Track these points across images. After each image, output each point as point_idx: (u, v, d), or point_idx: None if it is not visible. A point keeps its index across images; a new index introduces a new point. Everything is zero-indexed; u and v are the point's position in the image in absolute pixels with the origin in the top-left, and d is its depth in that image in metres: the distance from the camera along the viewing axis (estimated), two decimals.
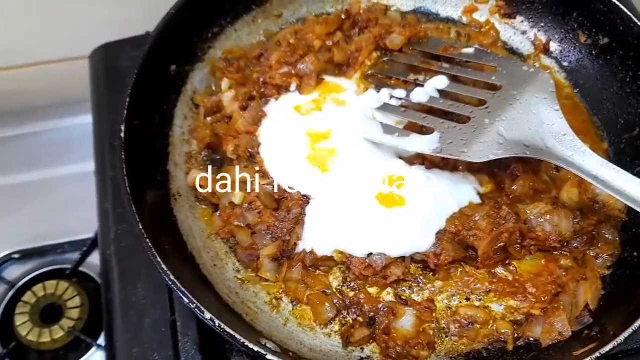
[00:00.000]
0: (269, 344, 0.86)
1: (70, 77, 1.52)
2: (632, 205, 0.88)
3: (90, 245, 1.44)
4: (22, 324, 1.34)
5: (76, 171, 1.54)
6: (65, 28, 1.53)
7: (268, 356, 0.80)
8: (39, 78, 1.61)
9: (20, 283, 1.43)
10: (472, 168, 1.06)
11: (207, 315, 0.83)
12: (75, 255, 1.44)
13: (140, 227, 0.89)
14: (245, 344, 0.81)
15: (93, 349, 1.34)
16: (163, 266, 0.86)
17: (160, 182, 1.06)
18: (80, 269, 1.44)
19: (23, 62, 1.58)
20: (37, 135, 1.63)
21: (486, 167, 1.05)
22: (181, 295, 0.84)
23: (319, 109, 1.11)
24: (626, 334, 0.82)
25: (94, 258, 1.44)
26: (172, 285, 0.85)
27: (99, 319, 1.32)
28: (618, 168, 0.91)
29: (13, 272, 1.44)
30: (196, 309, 0.83)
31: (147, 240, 0.89)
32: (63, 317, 1.36)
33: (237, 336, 0.81)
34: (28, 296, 1.38)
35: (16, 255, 1.46)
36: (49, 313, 1.37)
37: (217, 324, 0.82)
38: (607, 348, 0.81)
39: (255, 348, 0.80)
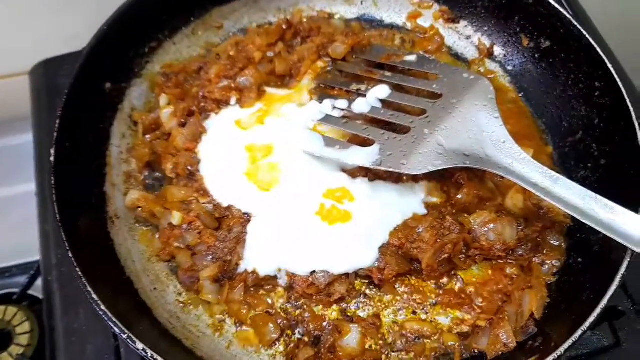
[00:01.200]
0: None
1: (12, 94, 1.48)
2: (571, 213, 0.87)
3: (39, 268, 1.40)
4: None
5: (23, 191, 1.49)
6: (6, 44, 1.49)
7: None
8: None
9: None
10: (418, 178, 1.05)
11: (140, 345, 0.80)
12: (24, 279, 1.40)
13: (70, 255, 0.86)
14: None
15: None
16: (94, 296, 0.83)
17: (96, 205, 1.02)
18: (30, 292, 1.40)
19: None
20: None
21: (433, 176, 1.04)
22: (112, 325, 0.81)
23: (260, 122, 1.09)
24: (566, 345, 0.81)
25: None
26: (103, 316, 0.82)
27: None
28: (558, 175, 0.90)
29: None
30: (128, 340, 0.80)
31: (77, 269, 0.85)
32: (12, 343, 1.32)
33: None
34: None
35: None
36: None
37: (149, 355, 0.79)
38: (550, 358, 0.80)
39: None
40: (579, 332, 0.81)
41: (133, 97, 1.14)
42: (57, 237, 1.13)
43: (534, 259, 1.00)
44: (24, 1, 1.43)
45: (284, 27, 1.21)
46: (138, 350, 0.80)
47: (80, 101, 1.01)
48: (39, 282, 1.40)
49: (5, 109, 1.56)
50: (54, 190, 0.92)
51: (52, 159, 0.94)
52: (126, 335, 0.81)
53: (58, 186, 0.92)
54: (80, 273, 0.85)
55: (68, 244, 0.88)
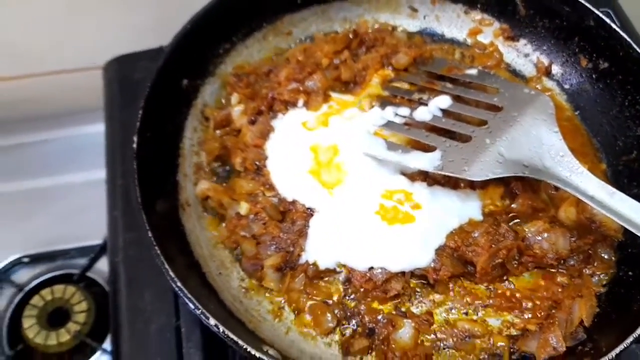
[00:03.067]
0: (271, 351, 0.88)
1: (83, 87, 1.57)
2: (626, 226, 0.91)
3: (99, 252, 1.47)
4: (30, 327, 1.37)
5: (87, 179, 1.58)
6: (81, 39, 1.58)
7: None
8: (54, 86, 1.66)
9: (29, 287, 1.46)
10: (476, 185, 1.09)
11: (212, 321, 0.85)
12: (84, 261, 1.47)
13: (150, 235, 0.92)
14: (248, 350, 0.83)
15: (98, 353, 1.36)
16: (171, 273, 0.89)
17: (170, 192, 1.09)
18: (88, 274, 1.47)
19: (39, 71, 1.63)
20: (50, 143, 1.67)
21: (490, 185, 1.08)
22: (187, 301, 0.87)
23: (325, 124, 1.14)
24: (617, 350, 0.84)
25: (102, 264, 1.47)
26: (179, 292, 0.88)
27: (104, 323, 1.35)
28: (614, 189, 0.94)
29: (22, 275, 1.47)
30: (202, 315, 0.86)
31: (157, 247, 0.92)
32: (70, 321, 1.39)
33: (241, 342, 0.84)
34: (36, 300, 1.41)
35: (26, 260, 1.49)
36: (56, 317, 1.40)
37: (221, 330, 0.85)
38: None
39: (258, 354, 0.83)
40: (630, 339, 0.85)
41: (206, 94, 1.21)
42: (125, 221, 1.21)
43: (584, 270, 1.03)
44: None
45: (350, 36, 1.28)
46: (210, 325, 0.85)
47: (160, 94, 1.08)
48: (97, 265, 1.47)
49: (75, 100, 1.65)
50: (137, 174, 0.98)
51: (134, 145, 1.00)
52: (200, 311, 0.86)
53: (140, 171, 0.99)
54: (159, 251, 0.91)
55: (148, 224, 0.94)
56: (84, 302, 1.42)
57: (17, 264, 1.49)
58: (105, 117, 1.37)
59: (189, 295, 0.87)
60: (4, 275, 1.45)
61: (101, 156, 1.37)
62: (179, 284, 0.88)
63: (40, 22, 1.53)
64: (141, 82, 1.12)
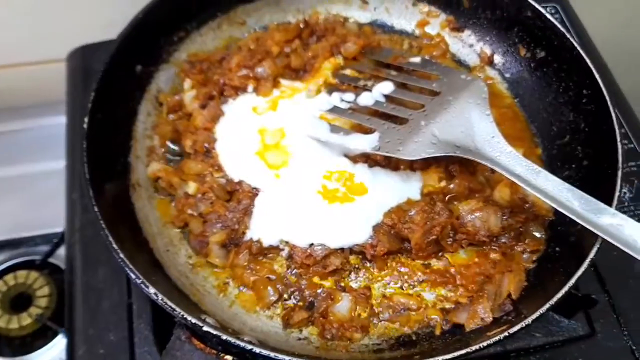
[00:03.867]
0: (209, 319, 0.92)
1: (48, 79, 1.60)
2: (549, 203, 0.95)
3: (61, 239, 1.51)
4: None
5: (50, 168, 1.61)
6: (46, 31, 1.61)
7: (205, 328, 0.86)
8: (19, 79, 1.69)
9: None
10: (415, 167, 1.14)
11: (152, 290, 0.89)
12: (46, 248, 1.51)
13: (96, 209, 0.96)
14: (184, 316, 0.87)
15: (59, 336, 1.40)
16: (114, 245, 0.93)
17: (121, 172, 1.13)
18: (50, 260, 1.51)
19: (3, 63, 1.66)
20: (15, 134, 1.71)
21: (428, 166, 1.13)
22: (129, 271, 0.91)
23: (273, 109, 1.19)
24: (534, 316, 0.89)
25: (63, 251, 1.50)
26: (122, 263, 0.92)
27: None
28: (540, 169, 0.99)
29: None
30: (142, 284, 0.90)
31: (102, 222, 0.96)
32: (32, 305, 1.43)
33: (178, 310, 0.88)
34: None
35: None
36: (19, 301, 1.44)
37: (159, 298, 0.89)
38: (515, 328, 0.88)
39: (193, 320, 0.87)
40: (546, 305, 0.90)
41: (160, 80, 1.25)
42: (82, 204, 1.25)
43: (515, 247, 1.08)
44: None
45: (302, 26, 1.33)
46: (150, 294, 0.90)
47: (113, 79, 1.12)
48: (59, 251, 1.51)
49: (39, 93, 1.69)
50: (86, 153, 1.02)
51: (85, 126, 1.05)
52: (140, 280, 0.90)
53: (89, 151, 1.03)
54: (104, 226, 0.95)
55: (95, 202, 0.98)
56: (46, 287, 1.46)
57: None
58: (66, 104, 1.40)
59: (131, 267, 0.91)
60: None
61: (63, 147, 1.41)
62: (121, 255, 0.92)
63: (6, 15, 1.57)
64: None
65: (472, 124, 1.07)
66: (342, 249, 1.07)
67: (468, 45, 1.35)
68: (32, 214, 1.56)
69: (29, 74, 1.68)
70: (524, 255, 1.08)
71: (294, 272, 1.08)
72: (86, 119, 1.06)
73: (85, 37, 1.49)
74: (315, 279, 1.07)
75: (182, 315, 0.88)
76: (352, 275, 1.08)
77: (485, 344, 0.88)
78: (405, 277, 1.08)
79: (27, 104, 1.70)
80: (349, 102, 1.19)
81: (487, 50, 1.33)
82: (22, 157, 1.65)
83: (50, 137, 1.65)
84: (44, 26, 1.62)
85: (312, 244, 1.06)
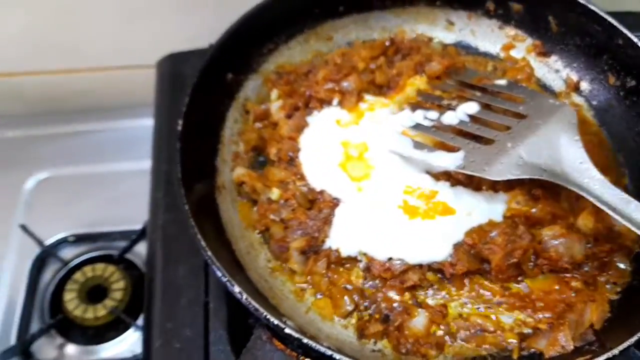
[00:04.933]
0: (289, 323, 0.94)
1: (137, 83, 1.68)
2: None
3: (138, 236, 1.56)
4: (70, 300, 1.46)
5: (133, 168, 1.67)
6: (137, 38, 1.69)
7: (286, 330, 0.88)
8: (110, 81, 1.78)
9: (73, 263, 1.56)
10: (497, 188, 1.13)
11: (237, 289, 0.92)
12: (124, 244, 1.56)
13: (187, 207, 1.00)
14: (268, 317, 0.89)
15: (132, 329, 1.44)
16: (203, 243, 0.97)
17: (208, 174, 1.17)
18: (127, 256, 1.56)
19: (96, 66, 1.74)
20: (102, 133, 1.79)
21: (511, 188, 1.12)
22: (216, 269, 0.94)
23: (357, 123, 1.21)
24: (621, 347, 0.87)
25: (140, 248, 1.56)
26: (209, 260, 0.95)
27: (139, 302, 1.43)
28: (630, 198, 0.97)
29: (68, 252, 1.57)
30: (227, 282, 0.93)
31: (192, 220, 0.99)
32: (107, 297, 1.48)
33: (261, 310, 0.90)
34: (78, 275, 1.50)
35: (72, 238, 1.59)
36: (95, 293, 1.49)
37: (244, 298, 0.91)
38: (602, 358, 0.86)
39: (276, 322, 0.89)
40: (634, 338, 0.87)
41: (248, 89, 1.30)
42: (165, 202, 1.30)
43: (598, 277, 1.06)
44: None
45: (387, 44, 1.35)
46: (235, 292, 0.92)
47: (206, 85, 1.17)
48: (136, 248, 1.56)
49: (126, 96, 1.77)
50: (179, 153, 1.07)
51: (179, 127, 1.09)
52: (226, 278, 0.93)
53: (182, 152, 1.07)
54: (193, 223, 0.99)
55: (185, 200, 1.02)
56: (122, 281, 1.50)
57: (63, 241, 1.59)
58: (155, 107, 1.46)
59: (217, 264, 0.94)
60: (51, 251, 1.55)
61: (148, 148, 1.47)
62: (209, 253, 0.96)
63: (102, 22, 1.65)
64: (190, 78, 1.21)
65: (559, 148, 1.06)
66: (420, 265, 1.07)
67: (554, 71, 1.34)
68: (113, 210, 1.62)
69: (118, 78, 1.76)
70: (607, 286, 1.06)
71: (370, 284, 1.09)
72: (180, 121, 1.10)
73: (171, 46, 1.56)
74: (392, 293, 1.07)
75: (265, 316, 0.90)
76: (429, 292, 1.08)
77: None
78: (483, 298, 1.07)
79: (114, 105, 1.78)
80: (432, 120, 1.20)
81: (574, 77, 1.31)
82: (106, 156, 1.72)
83: (134, 138, 1.72)
84: (134, 33, 1.70)
85: (390, 258, 1.07)
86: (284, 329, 0.88)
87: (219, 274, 0.94)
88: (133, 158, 1.69)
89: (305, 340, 0.88)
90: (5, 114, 1.81)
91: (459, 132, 1.16)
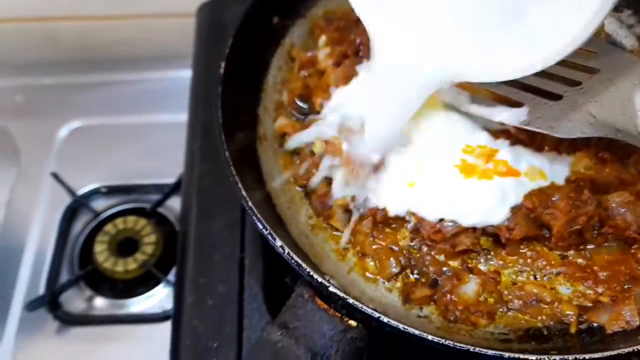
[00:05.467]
0: (332, 281, 0.88)
1: (175, 33, 1.62)
2: None
3: (172, 190, 1.52)
4: (101, 251, 1.44)
5: (169, 121, 1.64)
6: None
7: (331, 288, 0.82)
8: (147, 30, 1.72)
9: (105, 215, 1.53)
10: (561, 149, 1.04)
11: (279, 242, 0.86)
12: (157, 197, 1.53)
13: (227, 155, 0.94)
14: (311, 273, 0.83)
15: (162, 284, 1.41)
16: (243, 193, 0.90)
17: (250, 123, 1.11)
18: (159, 210, 1.53)
19: (133, 13, 1.69)
20: (138, 83, 1.75)
21: (576, 150, 1.03)
22: (256, 220, 0.88)
23: None
24: None
25: (173, 202, 1.52)
26: (250, 211, 0.89)
27: (170, 258, 1.40)
28: None
29: (100, 203, 1.55)
30: (269, 235, 0.87)
31: (232, 169, 0.93)
32: (138, 251, 1.45)
33: (304, 265, 0.84)
34: (109, 227, 1.48)
35: (104, 190, 1.57)
36: (126, 245, 1.47)
37: (286, 252, 0.85)
38: None
39: (320, 279, 0.83)
40: None
41: (295, 35, 1.23)
42: (202, 154, 1.25)
43: None
44: None
45: None
46: (276, 246, 0.86)
47: (251, 27, 1.10)
48: (168, 202, 1.52)
49: (166, 45, 1.71)
50: (220, 98, 1.00)
51: (221, 70, 1.02)
52: (267, 231, 0.87)
53: (224, 97, 1.01)
54: (234, 172, 0.93)
55: (226, 147, 0.96)
56: (153, 235, 1.47)
57: (95, 192, 1.57)
58: (193, 56, 1.41)
59: (258, 215, 0.88)
60: (83, 201, 1.53)
61: (185, 101, 1.41)
62: (250, 203, 0.89)
63: None
64: (231, 25, 1.14)
65: (635, 107, 0.96)
66: (474, 229, 0.99)
67: (627, 26, 1.23)
68: (147, 163, 1.59)
69: (156, 27, 1.71)
70: None
71: (418, 246, 1.01)
72: (222, 64, 1.04)
73: None
74: (441, 257, 1.00)
75: (309, 272, 0.84)
76: (481, 258, 1.00)
77: (638, 347, 0.79)
78: (540, 266, 0.99)
79: (151, 56, 1.73)
80: None
81: None
82: (142, 107, 1.69)
83: (171, 90, 1.68)
84: None
85: (442, 219, 0.99)
86: (328, 287, 0.82)
87: (259, 225, 0.88)
88: (168, 110, 1.65)
89: (350, 301, 0.81)
90: (39, 60, 1.77)
91: (523, 86, 1.06)
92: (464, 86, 1.08)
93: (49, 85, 1.75)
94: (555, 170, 1.03)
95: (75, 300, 1.40)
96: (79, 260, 1.46)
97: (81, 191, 1.54)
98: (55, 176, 1.53)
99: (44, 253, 1.45)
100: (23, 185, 1.55)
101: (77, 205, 1.53)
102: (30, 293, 1.39)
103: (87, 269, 1.42)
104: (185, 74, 1.47)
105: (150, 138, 1.62)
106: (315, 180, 1.06)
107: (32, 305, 1.34)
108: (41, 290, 1.39)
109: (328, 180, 1.06)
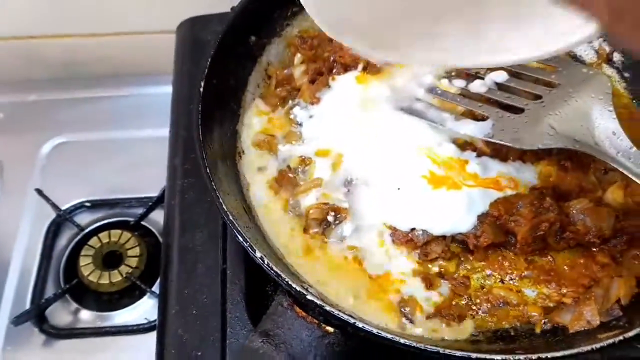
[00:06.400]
0: (311, 290, 0.92)
1: (156, 50, 1.66)
2: None
3: (155, 203, 1.55)
4: (86, 265, 1.46)
5: (151, 136, 1.67)
6: (157, 2, 1.66)
7: (308, 296, 0.86)
8: (129, 47, 1.76)
9: (89, 229, 1.55)
10: (525, 159, 1.10)
11: (258, 254, 0.90)
12: (140, 211, 1.55)
13: (207, 170, 0.98)
14: (289, 283, 0.87)
15: (146, 296, 1.44)
16: (224, 207, 0.95)
17: (229, 138, 1.15)
18: (143, 223, 1.55)
19: (116, 31, 1.72)
20: (121, 99, 1.78)
21: (539, 160, 1.09)
22: (237, 234, 0.92)
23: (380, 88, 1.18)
24: None
25: (156, 215, 1.55)
26: (230, 225, 0.93)
27: (154, 270, 1.43)
28: None
29: (84, 218, 1.57)
30: (249, 247, 0.91)
31: (212, 183, 0.97)
32: (122, 263, 1.47)
33: (283, 275, 0.88)
34: (94, 241, 1.50)
35: (88, 204, 1.59)
36: (110, 258, 1.48)
37: (265, 263, 0.90)
38: (632, 333, 0.84)
39: (298, 288, 0.87)
40: None
41: (271, 53, 1.27)
42: (184, 168, 1.28)
43: (627, 252, 1.03)
44: None
45: None
46: (256, 257, 0.90)
47: (229, 46, 1.14)
48: (152, 215, 1.55)
49: (148, 61, 1.75)
50: (200, 116, 1.04)
51: (201, 89, 1.07)
52: (247, 243, 0.91)
53: (203, 114, 1.05)
54: (214, 187, 0.96)
55: (206, 163, 1.00)
56: (137, 248, 1.50)
57: (79, 207, 1.59)
58: (174, 72, 1.44)
59: (238, 228, 0.92)
60: (67, 216, 1.55)
61: (166, 116, 1.45)
62: (230, 217, 0.94)
63: None
64: (210, 42, 1.18)
65: (592, 119, 1.03)
66: (444, 237, 1.05)
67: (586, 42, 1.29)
68: (130, 177, 1.61)
69: (139, 44, 1.74)
70: (635, 261, 1.02)
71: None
72: (202, 82, 1.08)
73: (193, 11, 1.53)
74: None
75: (287, 282, 0.88)
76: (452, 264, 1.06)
77: (598, 346, 0.84)
78: (507, 271, 1.05)
79: (134, 72, 1.76)
80: (459, 87, 1.16)
81: (606, 47, 1.27)
82: (125, 122, 1.71)
83: (153, 105, 1.71)
84: None
85: (413, 229, 1.05)
86: (305, 295, 0.87)
87: (239, 238, 0.92)
88: (150, 125, 1.68)
89: (327, 308, 0.86)
90: (23, 77, 1.80)
91: (487, 100, 1.13)
92: (434, 102, 1.14)
93: (32, 102, 1.77)
94: (525, 178, 1.09)
95: (61, 314, 1.42)
96: (64, 274, 1.48)
97: (65, 206, 1.56)
98: (40, 192, 1.55)
99: (30, 268, 1.47)
100: (7, 201, 1.57)
101: (62, 220, 1.55)
102: (16, 307, 1.40)
103: (73, 283, 1.44)
104: (167, 90, 1.49)
105: (133, 153, 1.65)
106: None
107: (18, 319, 1.35)
108: (27, 304, 1.41)
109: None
